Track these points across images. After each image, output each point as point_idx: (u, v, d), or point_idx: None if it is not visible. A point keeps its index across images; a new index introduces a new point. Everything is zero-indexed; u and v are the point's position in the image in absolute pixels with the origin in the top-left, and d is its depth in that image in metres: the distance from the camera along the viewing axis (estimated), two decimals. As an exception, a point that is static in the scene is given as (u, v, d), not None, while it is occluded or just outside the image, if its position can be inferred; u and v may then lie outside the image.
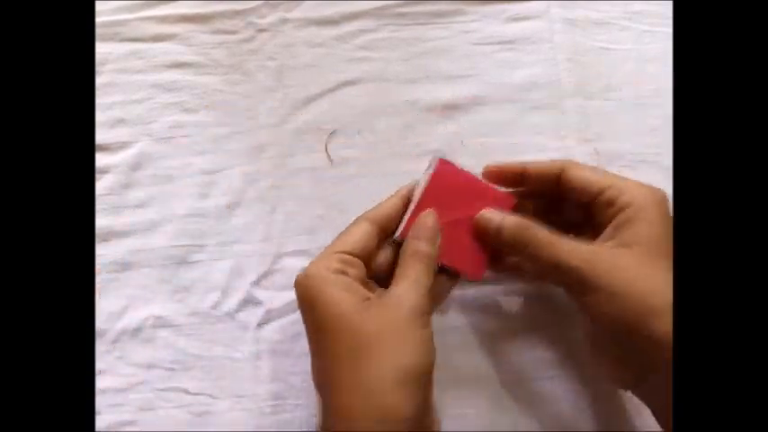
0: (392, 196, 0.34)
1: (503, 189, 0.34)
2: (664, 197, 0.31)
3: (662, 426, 0.30)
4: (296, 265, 0.38)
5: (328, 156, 0.39)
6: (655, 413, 0.30)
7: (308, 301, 0.29)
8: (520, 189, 0.35)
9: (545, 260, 0.30)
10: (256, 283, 0.38)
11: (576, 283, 0.30)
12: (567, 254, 0.30)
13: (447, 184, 0.33)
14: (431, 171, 0.33)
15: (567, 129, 0.40)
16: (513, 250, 0.32)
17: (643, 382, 0.30)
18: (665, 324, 0.27)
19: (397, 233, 0.33)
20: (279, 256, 0.38)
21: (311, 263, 0.31)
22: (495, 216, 0.32)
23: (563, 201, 0.34)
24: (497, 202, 0.33)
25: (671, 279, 0.28)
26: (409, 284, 0.30)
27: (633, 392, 0.32)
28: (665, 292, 0.28)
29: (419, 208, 0.32)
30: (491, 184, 0.34)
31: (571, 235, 0.31)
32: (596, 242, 0.31)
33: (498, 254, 0.34)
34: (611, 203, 0.31)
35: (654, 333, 0.27)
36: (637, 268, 0.29)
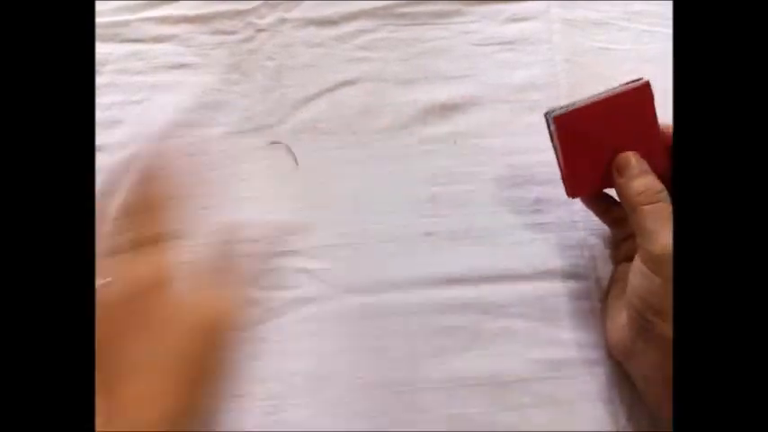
0: None
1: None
2: None
3: (645, 400, 0.33)
4: (291, 264, 0.38)
5: (294, 159, 0.39)
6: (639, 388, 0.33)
7: None
8: None
9: (648, 230, 0.30)
10: (254, 282, 0.38)
11: (662, 266, 0.30)
12: (662, 247, 0.30)
13: (629, 107, 0.33)
14: (629, 86, 0.33)
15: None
16: (631, 202, 0.31)
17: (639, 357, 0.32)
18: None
19: (561, 110, 0.33)
20: (274, 256, 0.38)
21: None
22: (638, 164, 0.32)
23: None
24: (653, 158, 0.32)
25: None
26: None
27: (624, 363, 0.34)
28: None
29: (595, 105, 0.32)
30: (665, 139, 0.33)
31: None
32: None
33: (601, 191, 0.34)
34: None
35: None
36: None
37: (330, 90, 0.41)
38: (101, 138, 0.40)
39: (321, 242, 0.38)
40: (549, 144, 0.40)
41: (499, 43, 0.42)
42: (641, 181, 0.32)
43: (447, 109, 0.41)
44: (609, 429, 0.35)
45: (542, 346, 0.36)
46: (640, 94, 0.32)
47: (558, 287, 0.37)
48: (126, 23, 0.42)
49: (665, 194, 0.31)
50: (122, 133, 0.40)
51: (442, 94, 0.41)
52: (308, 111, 0.41)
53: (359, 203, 0.39)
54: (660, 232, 0.30)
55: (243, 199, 0.39)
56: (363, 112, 0.41)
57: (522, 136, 0.40)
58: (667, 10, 0.42)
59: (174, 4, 0.43)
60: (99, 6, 0.42)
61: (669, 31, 0.42)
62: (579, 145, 0.33)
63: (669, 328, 0.30)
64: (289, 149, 0.39)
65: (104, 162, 0.40)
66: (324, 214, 0.39)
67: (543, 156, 0.39)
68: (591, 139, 0.33)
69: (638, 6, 0.43)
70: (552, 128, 0.33)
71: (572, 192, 0.35)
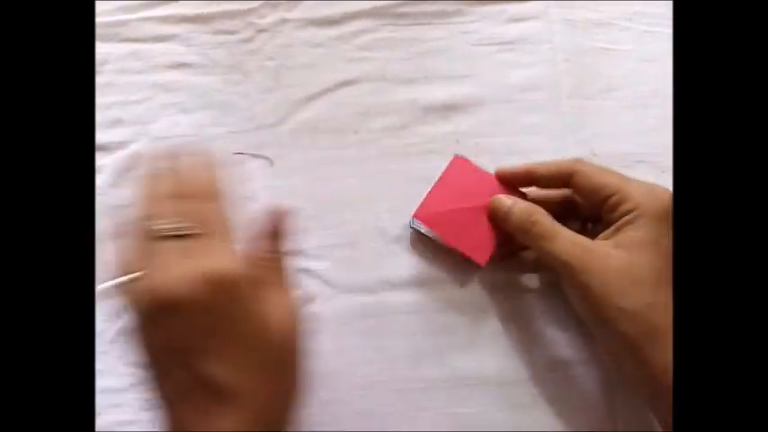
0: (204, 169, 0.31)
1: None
2: (668, 200, 0.32)
3: None
4: (292, 264, 0.38)
5: (270, 162, 0.40)
6: None
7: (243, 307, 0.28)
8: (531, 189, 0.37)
9: (543, 250, 0.32)
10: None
11: (569, 277, 0.32)
12: (563, 246, 0.32)
13: (461, 177, 0.36)
14: (449, 164, 0.37)
15: (565, 129, 0.40)
16: (518, 235, 0.34)
17: (656, 402, 0.31)
18: (662, 352, 0.29)
19: (412, 213, 0.36)
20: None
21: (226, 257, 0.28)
22: (506, 200, 0.35)
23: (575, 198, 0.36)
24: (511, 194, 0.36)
25: (664, 291, 0.29)
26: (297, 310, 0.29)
27: (651, 410, 0.32)
28: (658, 310, 0.29)
29: (432, 194, 0.36)
30: (504, 183, 0.36)
31: (575, 227, 0.33)
32: (597, 239, 0.32)
33: (506, 240, 0.35)
34: (614, 209, 0.32)
35: (651, 360, 0.29)
36: (627, 271, 0.30)
37: (331, 90, 0.41)
38: (101, 137, 0.40)
39: (321, 242, 0.38)
40: (551, 144, 0.40)
41: (499, 43, 0.42)
42: (514, 216, 0.34)
43: (448, 109, 0.41)
44: (608, 429, 0.35)
45: (541, 346, 0.36)
46: (458, 164, 0.37)
47: (558, 287, 0.37)
48: (126, 23, 0.42)
49: (539, 215, 0.33)
50: (122, 133, 0.40)
51: (443, 93, 0.41)
52: (308, 110, 0.41)
53: (359, 203, 0.39)
54: (551, 252, 0.32)
55: (245, 199, 0.39)
56: (364, 111, 0.41)
57: (523, 136, 0.40)
58: (668, 10, 0.42)
59: (175, 4, 0.43)
60: (99, 6, 0.42)
61: (669, 31, 0.42)
62: (452, 225, 0.36)
63: (661, 352, 0.29)
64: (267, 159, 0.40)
65: (105, 161, 0.40)
66: (324, 214, 0.39)
67: (544, 156, 0.39)
68: (456, 214, 0.36)
69: (638, 6, 0.43)
70: (419, 226, 0.36)
71: (482, 259, 0.36)
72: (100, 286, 0.29)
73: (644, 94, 0.41)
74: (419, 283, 0.37)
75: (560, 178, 0.35)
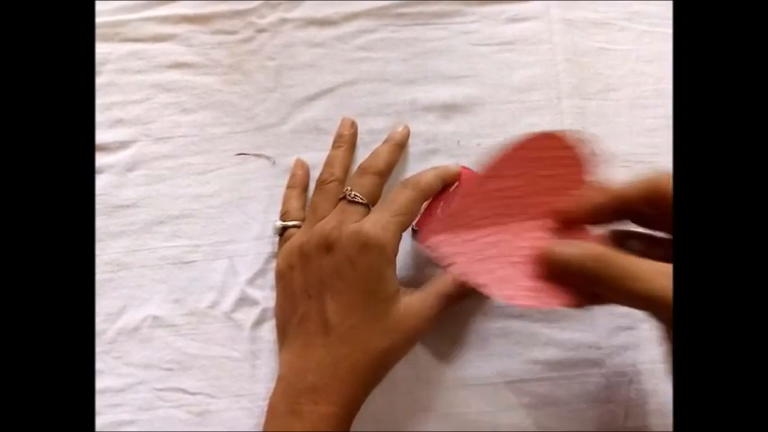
0: (432, 169, 0.35)
1: None
2: None
3: None
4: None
5: (272, 161, 0.40)
6: None
7: (377, 268, 0.32)
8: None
9: (626, 293, 0.26)
10: (251, 282, 0.38)
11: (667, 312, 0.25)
12: (651, 283, 0.25)
13: (463, 186, 0.35)
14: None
15: (565, 129, 0.40)
16: (588, 285, 0.27)
17: None
18: None
19: (414, 222, 0.35)
20: (273, 255, 0.38)
21: (380, 226, 0.32)
22: (564, 249, 0.28)
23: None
24: None
25: None
26: (434, 302, 0.33)
27: None
28: None
29: (433, 204, 0.35)
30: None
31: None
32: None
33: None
34: None
35: None
36: None
37: (331, 90, 0.41)
38: (101, 137, 0.40)
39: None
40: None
41: (499, 43, 0.42)
42: (573, 266, 0.28)
43: (448, 109, 0.41)
44: (607, 429, 0.35)
45: (541, 347, 0.36)
46: (463, 175, 0.36)
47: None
48: (126, 23, 0.42)
49: (607, 255, 0.27)
50: (123, 133, 0.40)
51: (443, 94, 0.41)
52: (308, 111, 0.41)
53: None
54: (640, 293, 0.26)
55: (246, 198, 0.39)
56: (364, 112, 0.41)
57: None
58: (667, 10, 0.42)
59: (175, 4, 0.43)
60: (99, 6, 0.42)
61: (669, 31, 0.42)
62: None
63: None
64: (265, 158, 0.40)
65: (105, 161, 0.40)
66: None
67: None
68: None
69: (638, 6, 0.43)
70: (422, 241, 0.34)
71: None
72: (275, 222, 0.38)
73: (643, 94, 0.41)
74: (418, 283, 0.37)
75: (654, 199, 0.29)
